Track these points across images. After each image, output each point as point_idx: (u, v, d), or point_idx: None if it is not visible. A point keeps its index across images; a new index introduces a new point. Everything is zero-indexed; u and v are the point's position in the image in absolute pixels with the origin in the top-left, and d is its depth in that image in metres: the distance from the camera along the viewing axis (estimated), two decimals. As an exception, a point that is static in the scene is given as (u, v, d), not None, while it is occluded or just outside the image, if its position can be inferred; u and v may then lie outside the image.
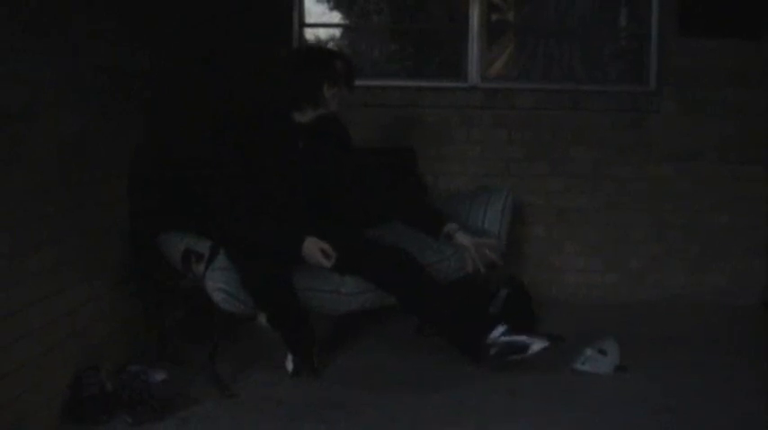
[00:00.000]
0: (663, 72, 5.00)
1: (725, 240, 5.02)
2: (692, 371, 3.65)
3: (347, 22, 5.49)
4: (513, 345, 3.49)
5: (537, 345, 3.48)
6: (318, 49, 3.49)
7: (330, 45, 5.47)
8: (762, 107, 4.94)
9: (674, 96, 4.98)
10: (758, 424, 3.08)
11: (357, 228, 3.77)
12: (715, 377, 3.57)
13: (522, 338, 3.49)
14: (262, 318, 3.80)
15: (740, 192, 4.99)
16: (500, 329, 3.50)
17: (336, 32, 5.51)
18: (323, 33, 5.41)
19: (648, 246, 5.05)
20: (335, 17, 5.47)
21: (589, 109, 5.01)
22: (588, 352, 3.66)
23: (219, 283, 3.25)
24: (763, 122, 4.95)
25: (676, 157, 5.00)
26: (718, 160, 4.99)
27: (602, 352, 3.65)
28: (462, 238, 3.58)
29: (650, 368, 3.67)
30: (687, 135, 4.99)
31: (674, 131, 4.99)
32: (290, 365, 3.53)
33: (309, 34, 5.26)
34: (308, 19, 5.21)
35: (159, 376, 3.16)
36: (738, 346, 4.06)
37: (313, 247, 3.38)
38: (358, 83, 4.99)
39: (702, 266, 5.04)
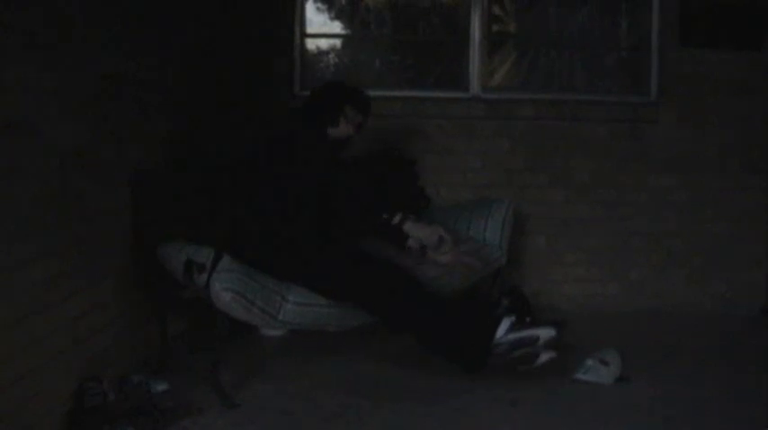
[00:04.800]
0: (663, 82, 5.02)
1: (725, 250, 5.03)
2: (694, 381, 3.65)
3: (348, 32, 5.50)
4: (520, 342, 3.49)
5: (545, 334, 3.49)
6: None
7: (332, 56, 5.50)
8: (762, 117, 4.95)
9: (675, 107, 5.00)
10: (760, 434, 3.09)
11: (351, 244, 3.76)
12: (716, 387, 3.57)
13: (528, 332, 3.49)
14: (268, 330, 3.81)
15: (740, 201, 5.00)
16: (504, 326, 3.48)
17: (337, 43, 5.52)
18: (324, 44, 5.43)
19: (649, 256, 5.06)
20: (336, 27, 5.48)
21: (589, 119, 5.03)
22: (589, 362, 3.66)
23: (226, 283, 3.22)
24: (763, 132, 4.96)
25: (676, 167, 5.01)
26: (719, 170, 5.01)
27: (604, 362, 3.65)
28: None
29: (651, 378, 3.67)
30: (687, 145, 5.00)
31: (674, 141, 5.01)
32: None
33: (310, 44, 5.28)
34: (309, 29, 5.23)
35: (161, 386, 3.17)
36: (739, 356, 4.06)
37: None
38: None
39: (703, 276, 5.05)
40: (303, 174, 3.61)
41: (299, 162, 3.62)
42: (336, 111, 3.80)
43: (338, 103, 3.81)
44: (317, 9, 5.33)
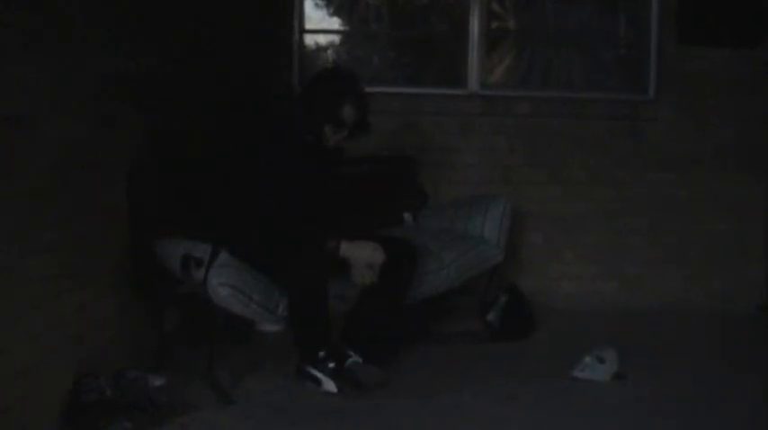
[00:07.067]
0: (661, 80, 5.02)
1: (723, 247, 5.04)
2: (691, 378, 3.65)
3: (347, 28, 5.50)
4: (311, 376, 3.41)
5: (326, 387, 3.37)
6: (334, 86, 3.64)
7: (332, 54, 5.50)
8: (760, 114, 4.96)
9: (673, 104, 5.00)
10: (758, 431, 3.09)
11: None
12: (714, 384, 3.58)
13: (317, 375, 3.38)
14: (264, 325, 3.78)
15: (739, 199, 5.01)
16: (330, 365, 3.38)
17: (336, 39, 5.51)
18: (322, 39, 5.42)
19: (647, 254, 5.06)
20: (335, 23, 5.47)
21: (588, 116, 5.03)
22: (586, 359, 3.66)
23: (222, 278, 3.24)
24: (761, 130, 4.96)
25: (675, 165, 5.02)
26: (717, 167, 5.01)
27: (601, 359, 3.65)
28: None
29: (649, 375, 3.67)
30: (686, 143, 5.01)
31: (672, 139, 5.01)
32: (329, 385, 3.39)
33: (309, 40, 5.27)
34: (308, 25, 5.21)
35: (158, 381, 3.16)
36: (737, 353, 4.06)
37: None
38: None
39: (701, 273, 5.05)
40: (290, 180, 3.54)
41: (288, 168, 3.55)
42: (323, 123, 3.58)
43: (328, 112, 3.56)
44: (316, 5, 5.32)
